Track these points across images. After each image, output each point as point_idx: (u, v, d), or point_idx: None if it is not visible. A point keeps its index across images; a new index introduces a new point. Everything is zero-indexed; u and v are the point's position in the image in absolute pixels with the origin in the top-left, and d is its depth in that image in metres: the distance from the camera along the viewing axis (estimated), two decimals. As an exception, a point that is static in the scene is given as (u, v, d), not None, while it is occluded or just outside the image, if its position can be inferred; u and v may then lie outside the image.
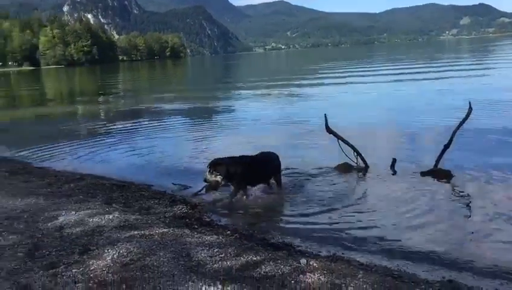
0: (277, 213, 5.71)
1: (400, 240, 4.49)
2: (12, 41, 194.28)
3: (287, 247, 4.25)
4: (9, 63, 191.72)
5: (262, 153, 6.20)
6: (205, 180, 5.65)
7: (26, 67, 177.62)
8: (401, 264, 3.89)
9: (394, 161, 7.18)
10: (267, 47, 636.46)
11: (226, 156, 5.84)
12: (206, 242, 4.00)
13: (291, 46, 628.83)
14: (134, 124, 14.64)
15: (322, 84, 27.36)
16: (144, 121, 15.43)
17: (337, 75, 33.83)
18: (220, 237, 4.23)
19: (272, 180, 6.32)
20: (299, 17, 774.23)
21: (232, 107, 18.25)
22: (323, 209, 5.48)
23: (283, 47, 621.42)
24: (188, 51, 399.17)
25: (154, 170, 8.07)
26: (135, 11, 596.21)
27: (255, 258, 3.63)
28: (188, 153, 9.45)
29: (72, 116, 19.67)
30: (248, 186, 5.97)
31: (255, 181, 6.08)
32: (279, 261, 3.59)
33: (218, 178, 5.55)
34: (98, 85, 45.17)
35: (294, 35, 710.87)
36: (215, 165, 5.56)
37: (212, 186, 5.75)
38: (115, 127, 14.50)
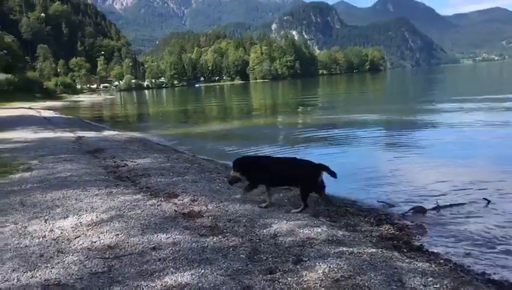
0: (495, 244, 5.11)
1: None
2: (227, 58, 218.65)
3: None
4: (224, 77, 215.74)
5: (288, 158, 6.58)
6: (228, 176, 6.25)
7: (237, 81, 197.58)
8: None
9: None
10: (477, 58, 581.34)
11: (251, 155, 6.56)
12: (418, 269, 3.81)
13: (506, 56, 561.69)
14: (330, 137, 14.96)
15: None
16: (341, 135, 15.62)
17: None
18: (433, 265, 3.99)
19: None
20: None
21: (434, 126, 17.10)
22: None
23: (496, 58, 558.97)
24: (388, 64, 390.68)
25: (355, 186, 8.06)
26: (337, 26, 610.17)
27: (475, 296, 3.32)
28: (387, 171, 9.23)
29: (273, 126, 21.12)
30: (271, 187, 6.09)
31: (273, 183, 6.03)
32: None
33: (237, 174, 6.02)
34: (299, 98, 47.52)
35: (510, 44, 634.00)
36: (236, 162, 6.13)
37: (232, 181, 6.17)
38: (312, 139, 15.04)
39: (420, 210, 6.17)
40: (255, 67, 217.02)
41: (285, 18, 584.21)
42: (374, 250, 4.26)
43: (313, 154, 11.82)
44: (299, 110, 31.08)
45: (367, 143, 13.46)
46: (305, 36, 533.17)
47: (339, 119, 21.71)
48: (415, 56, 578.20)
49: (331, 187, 7.74)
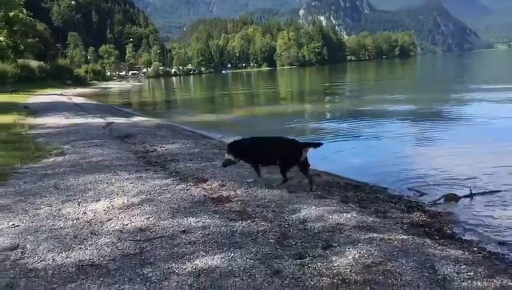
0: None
1: None
2: (254, 44, 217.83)
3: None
4: (251, 64, 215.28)
5: (274, 137, 6.76)
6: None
7: (264, 68, 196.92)
8: None
9: None
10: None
11: (242, 139, 6.86)
12: (451, 257, 3.74)
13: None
14: (359, 124, 14.79)
15: None
16: (369, 122, 15.44)
17: None
18: (466, 253, 3.90)
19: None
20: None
21: (466, 112, 16.62)
22: None
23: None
24: (419, 49, 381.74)
25: (385, 173, 7.97)
26: (366, 11, 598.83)
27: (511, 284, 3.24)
28: (417, 158, 9.10)
29: (300, 114, 20.98)
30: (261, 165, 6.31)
31: (261, 161, 6.24)
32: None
33: (231, 157, 6.24)
34: (326, 85, 47.03)
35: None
36: (228, 145, 6.48)
37: (226, 163, 6.37)
38: (340, 126, 14.90)
39: (452, 197, 6.04)
40: (282, 53, 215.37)
41: (313, 3, 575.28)
42: (405, 237, 4.20)
43: (341, 141, 11.75)
44: (326, 97, 30.80)
45: (396, 130, 13.27)
46: (333, 21, 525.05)
47: (367, 105, 21.42)
48: (447, 41, 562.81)
49: (362, 174, 7.72)
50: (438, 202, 5.94)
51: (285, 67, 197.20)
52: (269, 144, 6.34)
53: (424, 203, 5.98)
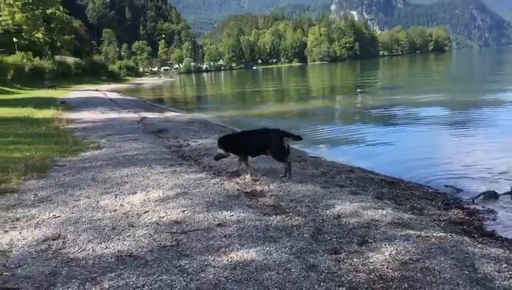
0: None
1: None
2: (285, 39, 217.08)
3: None
4: (281, 59, 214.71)
5: (260, 130, 6.87)
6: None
7: (295, 64, 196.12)
8: None
9: None
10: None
11: (231, 133, 7.25)
12: (491, 255, 3.64)
13: None
14: (392, 121, 14.55)
15: None
16: (403, 118, 15.16)
17: None
18: (507, 252, 3.79)
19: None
20: None
21: (504, 107, 16.12)
22: None
23: None
24: (454, 44, 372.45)
25: (421, 169, 7.82)
26: (399, 5, 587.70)
27: (555, 285, 3.13)
28: (453, 154, 8.90)
29: (329, 110, 20.84)
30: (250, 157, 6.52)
31: (251, 152, 6.44)
32: None
33: (222, 151, 6.42)
34: (357, 80, 46.47)
35: None
36: (219, 140, 6.58)
37: (217, 157, 6.60)
38: (373, 122, 14.70)
39: (492, 195, 5.89)
40: (313, 49, 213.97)
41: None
42: (442, 234, 4.12)
43: (374, 137, 11.62)
44: (357, 92, 30.38)
45: (431, 126, 12.97)
46: (366, 16, 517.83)
47: (400, 101, 21.01)
48: (484, 35, 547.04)
49: (397, 170, 7.61)
50: (477, 199, 5.79)
51: (315, 62, 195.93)
52: (256, 135, 6.55)
53: (462, 200, 5.85)
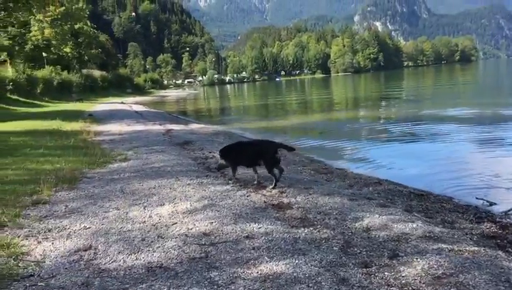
0: None
1: None
2: (308, 51, 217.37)
3: None
4: (304, 71, 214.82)
5: (253, 140, 7.55)
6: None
7: (318, 75, 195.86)
8: None
9: None
10: None
11: (231, 144, 7.52)
12: (528, 271, 3.55)
13: None
14: (418, 132, 14.36)
15: None
16: (428, 129, 14.95)
17: None
18: (544, 268, 3.68)
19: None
20: None
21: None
22: None
23: None
24: (481, 54, 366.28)
25: (450, 181, 7.69)
26: (424, 16, 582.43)
27: None
28: (484, 165, 8.71)
29: (354, 121, 20.71)
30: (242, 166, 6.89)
31: (245, 163, 6.75)
32: None
33: (223, 161, 6.88)
34: (381, 92, 46.05)
35: None
36: (220, 151, 7.02)
37: (219, 167, 7.08)
38: (398, 133, 14.53)
39: (526, 208, 5.73)
40: (337, 60, 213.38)
41: (369, 9, 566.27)
42: (476, 248, 4.02)
43: (402, 148, 11.50)
44: (382, 105, 30.10)
45: (460, 139, 12.72)
46: (390, 27, 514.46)
47: (427, 114, 20.75)
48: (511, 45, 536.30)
49: (425, 183, 7.49)
50: (510, 212, 5.64)
51: (339, 74, 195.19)
52: (252, 146, 6.89)
53: (494, 213, 5.72)
